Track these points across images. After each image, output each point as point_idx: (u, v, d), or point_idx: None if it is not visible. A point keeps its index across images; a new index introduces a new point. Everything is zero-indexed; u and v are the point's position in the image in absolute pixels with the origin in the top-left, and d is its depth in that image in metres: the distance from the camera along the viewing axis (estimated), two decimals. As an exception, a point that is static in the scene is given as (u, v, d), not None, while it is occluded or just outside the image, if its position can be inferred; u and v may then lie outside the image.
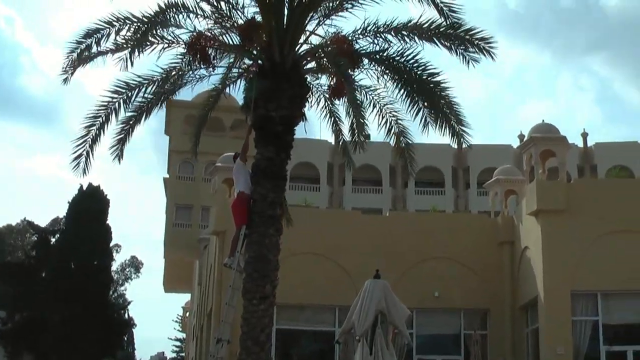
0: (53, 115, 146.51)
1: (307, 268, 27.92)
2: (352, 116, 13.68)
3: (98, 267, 53.37)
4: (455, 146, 15.87)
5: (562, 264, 25.38)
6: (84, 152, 15.89)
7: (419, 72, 15.23)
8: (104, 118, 15.89)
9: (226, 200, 28.06)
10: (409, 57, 15.25)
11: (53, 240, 56.88)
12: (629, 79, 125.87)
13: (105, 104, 15.88)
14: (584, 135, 63.17)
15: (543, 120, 28.46)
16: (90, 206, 53.57)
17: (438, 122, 15.40)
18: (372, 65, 15.64)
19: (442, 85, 15.24)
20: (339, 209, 56.58)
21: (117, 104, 15.89)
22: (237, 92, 16.58)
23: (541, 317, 25.76)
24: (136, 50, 15.08)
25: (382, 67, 15.59)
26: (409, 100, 15.55)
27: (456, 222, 33.59)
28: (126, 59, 15.28)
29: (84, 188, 55.38)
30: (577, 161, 59.03)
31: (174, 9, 14.92)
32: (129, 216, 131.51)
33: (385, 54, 15.52)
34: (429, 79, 15.24)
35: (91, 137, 15.87)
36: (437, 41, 15.44)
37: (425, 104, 15.30)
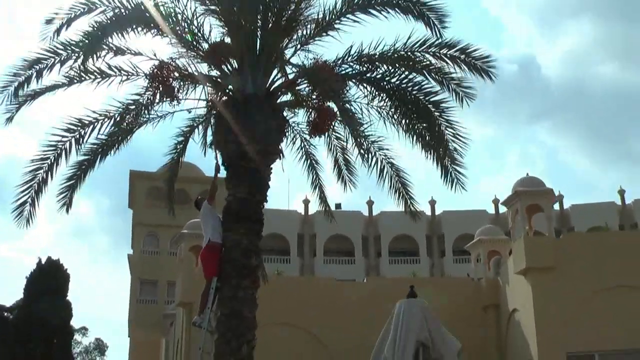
0: (5, 196, 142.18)
1: (281, 340, 26.25)
2: (350, 135, 11.86)
3: (58, 345, 50.40)
4: (450, 186, 14.07)
5: (556, 324, 23.84)
6: (29, 199, 13.79)
7: (414, 92, 13.50)
8: (52, 160, 13.90)
9: (193, 270, 26.42)
10: (402, 75, 13.50)
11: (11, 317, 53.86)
12: (575, 147, 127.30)
13: (55, 144, 13.90)
14: (560, 198, 62.07)
15: (527, 174, 27.18)
16: (49, 280, 50.80)
17: (439, 150, 13.67)
18: (359, 88, 13.79)
19: (442, 105, 13.51)
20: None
21: (67, 143, 13.90)
22: (207, 134, 14.88)
23: (537, 383, 23.96)
24: (88, 81, 13.36)
25: (373, 89, 13.76)
26: (405, 122, 13.74)
27: (437, 286, 31.94)
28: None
29: (43, 262, 52.82)
30: (554, 224, 57.80)
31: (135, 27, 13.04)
32: (90, 300, 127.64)
33: (374, 75, 13.72)
34: (426, 98, 13.50)
35: (37, 181, 13.81)
36: (427, 74, 13.82)
37: (424, 125, 13.54)
